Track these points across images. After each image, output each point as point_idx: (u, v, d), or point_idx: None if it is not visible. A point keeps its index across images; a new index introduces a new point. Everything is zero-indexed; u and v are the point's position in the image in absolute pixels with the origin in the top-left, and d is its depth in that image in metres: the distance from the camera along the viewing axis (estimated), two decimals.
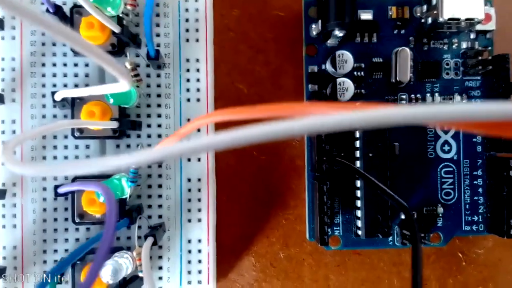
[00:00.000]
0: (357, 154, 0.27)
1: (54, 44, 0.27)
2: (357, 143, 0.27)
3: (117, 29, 0.23)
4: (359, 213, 0.27)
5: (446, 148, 0.29)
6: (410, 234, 0.27)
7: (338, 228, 0.29)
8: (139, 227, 0.26)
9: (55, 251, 0.25)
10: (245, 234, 0.30)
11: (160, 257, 0.26)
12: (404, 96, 0.29)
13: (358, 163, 0.27)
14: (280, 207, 0.30)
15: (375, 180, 0.25)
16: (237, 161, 0.30)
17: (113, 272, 0.20)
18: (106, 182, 0.23)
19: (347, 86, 0.28)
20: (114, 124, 0.23)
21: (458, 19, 0.26)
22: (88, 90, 0.22)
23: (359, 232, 0.27)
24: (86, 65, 0.26)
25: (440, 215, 0.29)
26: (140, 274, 0.23)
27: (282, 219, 0.30)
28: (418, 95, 0.29)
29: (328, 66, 0.29)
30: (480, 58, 0.29)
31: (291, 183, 0.30)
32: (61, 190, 0.23)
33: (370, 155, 0.27)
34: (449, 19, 0.26)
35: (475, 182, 0.29)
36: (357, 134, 0.27)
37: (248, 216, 0.30)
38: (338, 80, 0.28)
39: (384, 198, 0.26)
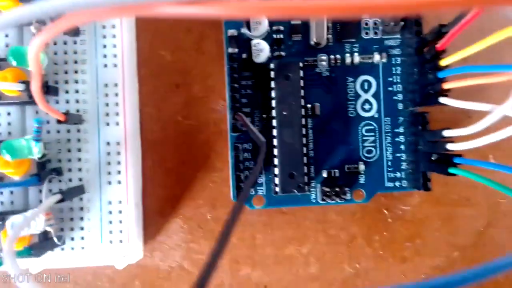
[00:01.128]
0: (273, 113, 0.28)
1: None
2: (273, 103, 0.28)
3: None
4: (276, 170, 0.28)
5: (367, 106, 0.30)
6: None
7: (262, 187, 0.30)
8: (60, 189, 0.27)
9: None
10: (172, 197, 0.30)
11: (82, 218, 0.27)
12: (324, 57, 0.30)
13: (274, 122, 0.28)
14: (206, 170, 0.30)
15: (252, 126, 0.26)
16: (162, 127, 0.30)
17: (12, 225, 0.21)
18: (12, 141, 0.23)
19: (262, 47, 0.28)
20: (20, 86, 0.24)
21: None
22: None
23: (277, 189, 0.28)
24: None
25: (362, 172, 0.30)
26: (48, 229, 0.24)
27: (209, 182, 0.30)
28: (338, 56, 0.30)
29: (245, 30, 0.29)
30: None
31: (216, 147, 0.30)
32: None
33: (284, 113, 0.28)
34: None
35: (397, 139, 0.30)
36: (272, 94, 0.28)
37: (175, 180, 0.30)
38: (253, 41, 0.28)
39: (288, 145, 0.27)
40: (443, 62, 0.23)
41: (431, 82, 0.25)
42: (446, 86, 0.24)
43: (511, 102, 0.15)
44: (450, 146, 0.24)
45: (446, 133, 0.24)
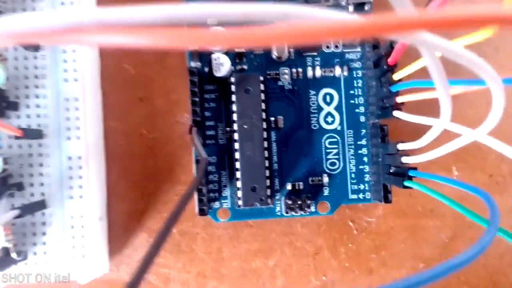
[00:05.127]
0: (235, 126, 0.28)
1: None
2: (234, 116, 0.28)
3: None
4: (238, 184, 0.28)
5: (330, 119, 0.30)
6: None
7: (227, 201, 0.30)
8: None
9: None
10: (137, 211, 0.30)
11: (44, 233, 0.27)
12: (286, 70, 0.30)
13: (235, 136, 0.28)
14: (171, 183, 0.31)
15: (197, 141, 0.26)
16: (126, 141, 0.30)
17: None
18: None
19: (223, 61, 0.29)
20: None
21: None
22: None
23: (240, 202, 0.28)
24: None
25: (326, 184, 0.30)
26: (7, 244, 0.24)
27: (174, 195, 0.31)
28: (300, 69, 0.30)
29: None
30: None
31: (180, 160, 0.31)
32: None
33: (245, 126, 0.28)
34: None
35: (360, 151, 0.30)
36: (234, 107, 0.28)
37: (140, 193, 0.30)
38: (213, 56, 0.28)
39: (249, 159, 0.27)
40: (395, 76, 0.24)
41: (386, 96, 0.26)
42: (399, 99, 0.24)
43: (445, 116, 0.15)
44: (404, 159, 0.24)
45: (400, 146, 0.24)
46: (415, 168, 0.24)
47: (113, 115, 0.30)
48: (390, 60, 0.23)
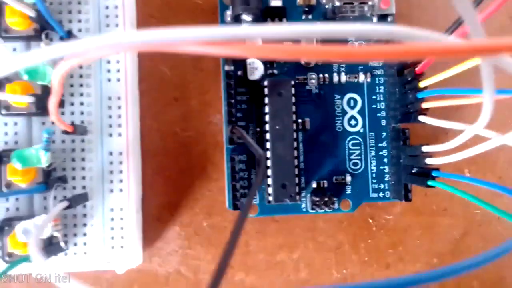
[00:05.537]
0: (266, 127, 0.30)
1: None
2: (266, 117, 0.30)
3: (32, 14, 0.25)
4: (269, 181, 0.30)
5: (353, 122, 0.32)
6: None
7: (256, 197, 0.31)
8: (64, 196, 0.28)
9: None
10: (170, 205, 0.32)
11: (85, 224, 0.29)
12: (313, 76, 0.32)
13: (267, 135, 0.30)
14: (203, 180, 0.32)
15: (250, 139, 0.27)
16: (161, 138, 0.32)
17: (23, 231, 0.22)
18: (22, 151, 0.25)
19: (257, 66, 0.30)
20: (30, 99, 0.25)
21: (352, 3, 0.29)
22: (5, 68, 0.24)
23: (270, 198, 0.30)
24: None
25: (349, 183, 0.32)
26: (55, 234, 0.25)
27: (205, 191, 0.32)
28: (326, 75, 0.32)
29: None
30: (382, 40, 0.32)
31: (212, 158, 0.32)
32: None
33: (277, 127, 0.30)
34: (344, 3, 0.29)
35: (381, 153, 0.32)
36: (266, 109, 0.30)
37: (173, 189, 0.32)
38: (248, 60, 0.30)
39: (280, 157, 0.29)
40: (421, 84, 0.26)
41: (411, 102, 0.28)
42: (424, 105, 0.26)
43: (480, 122, 0.17)
44: (428, 161, 0.26)
45: (425, 148, 0.26)
46: (437, 169, 0.26)
47: (149, 114, 0.32)
48: (418, 69, 0.25)
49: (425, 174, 0.27)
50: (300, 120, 0.32)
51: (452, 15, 0.23)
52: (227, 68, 0.31)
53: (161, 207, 0.32)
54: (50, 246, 0.26)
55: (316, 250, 0.32)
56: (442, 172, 0.26)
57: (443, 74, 0.24)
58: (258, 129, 0.31)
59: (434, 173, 0.26)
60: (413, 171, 0.29)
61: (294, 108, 0.30)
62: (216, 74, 0.32)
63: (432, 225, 0.33)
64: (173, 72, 0.32)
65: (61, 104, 0.28)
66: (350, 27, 0.12)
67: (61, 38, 0.27)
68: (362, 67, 0.32)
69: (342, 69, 0.32)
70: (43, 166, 0.26)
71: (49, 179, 0.27)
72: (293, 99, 0.30)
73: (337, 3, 0.29)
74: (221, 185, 0.32)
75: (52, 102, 0.20)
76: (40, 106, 0.27)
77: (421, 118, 0.26)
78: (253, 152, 0.26)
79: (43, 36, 0.27)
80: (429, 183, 0.26)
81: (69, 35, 0.27)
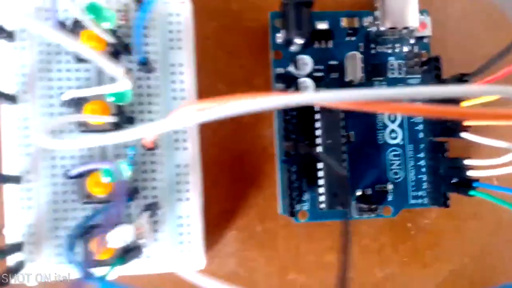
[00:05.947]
0: (318, 141, 0.32)
1: (58, 53, 0.31)
2: (317, 132, 0.32)
3: (111, 40, 0.28)
4: (321, 190, 0.32)
5: (393, 135, 0.35)
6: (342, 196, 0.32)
7: (306, 204, 0.34)
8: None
9: (66, 228, 0.30)
10: (227, 212, 0.35)
11: (156, 230, 0.31)
12: None
13: (318, 149, 0.32)
14: (256, 189, 0.35)
15: (333, 160, 0.30)
16: (217, 152, 0.35)
17: (119, 236, 0.25)
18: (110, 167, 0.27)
19: (307, 84, 0.33)
20: (114, 118, 0.28)
21: (395, 28, 0.32)
22: (93, 90, 0.27)
23: (322, 206, 0.32)
24: (87, 70, 0.31)
25: (390, 191, 0.35)
26: (140, 241, 0.28)
27: (259, 199, 0.35)
28: None
29: (291, 68, 0.34)
30: (418, 59, 0.35)
31: (264, 168, 0.35)
32: (73, 172, 0.27)
33: (329, 141, 0.32)
34: (390, 28, 0.32)
35: (419, 163, 0.35)
36: (317, 125, 0.32)
37: (229, 197, 0.35)
38: (300, 80, 0.33)
39: (331, 169, 0.32)
40: (464, 104, 0.29)
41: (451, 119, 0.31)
42: (466, 123, 0.29)
43: None
44: (470, 173, 0.29)
45: (467, 162, 0.29)
46: (477, 180, 0.29)
47: (207, 128, 0.34)
48: None
49: (466, 184, 0.30)
50: (346, 134, 0.34)
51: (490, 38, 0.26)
52: (277, 85, 0.34)
53: (219, 214, 0.35)
54: (132, 252, 0.29)
55: (360, 252, 0.35)
56: (481, 183, 0.29)
57: (486, 96, 0.27)
58: (307, 142, 0.34)
59: (475, 184, 0.29)
60: (452, 181, 0.32)
61: (343, 123, 0.33)
62: (267, 90, 0.35)
63: (464, 228, 0.36)
64: (228, 89, 0.35)
65: (132, 121, 0.31)
66: (461, 88, 0.14)
67: (139, 63, 0.29)
68: (401, 84, 0.35)
69: (383, 86, 0.35)
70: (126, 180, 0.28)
71: (132, 192, 0.30)
72: (342, 115, 0.33)
73: (383, 28, 0.32)
74: (271, 193, 0.35)
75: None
76: (115, 124, 0.30)
77: (463, 135, 0.29)
78: (336, 170, 0.29)
79: (121, 60, 0.29)
80: (471, 193, 0.29)
81: (146, 60, 0.29)
